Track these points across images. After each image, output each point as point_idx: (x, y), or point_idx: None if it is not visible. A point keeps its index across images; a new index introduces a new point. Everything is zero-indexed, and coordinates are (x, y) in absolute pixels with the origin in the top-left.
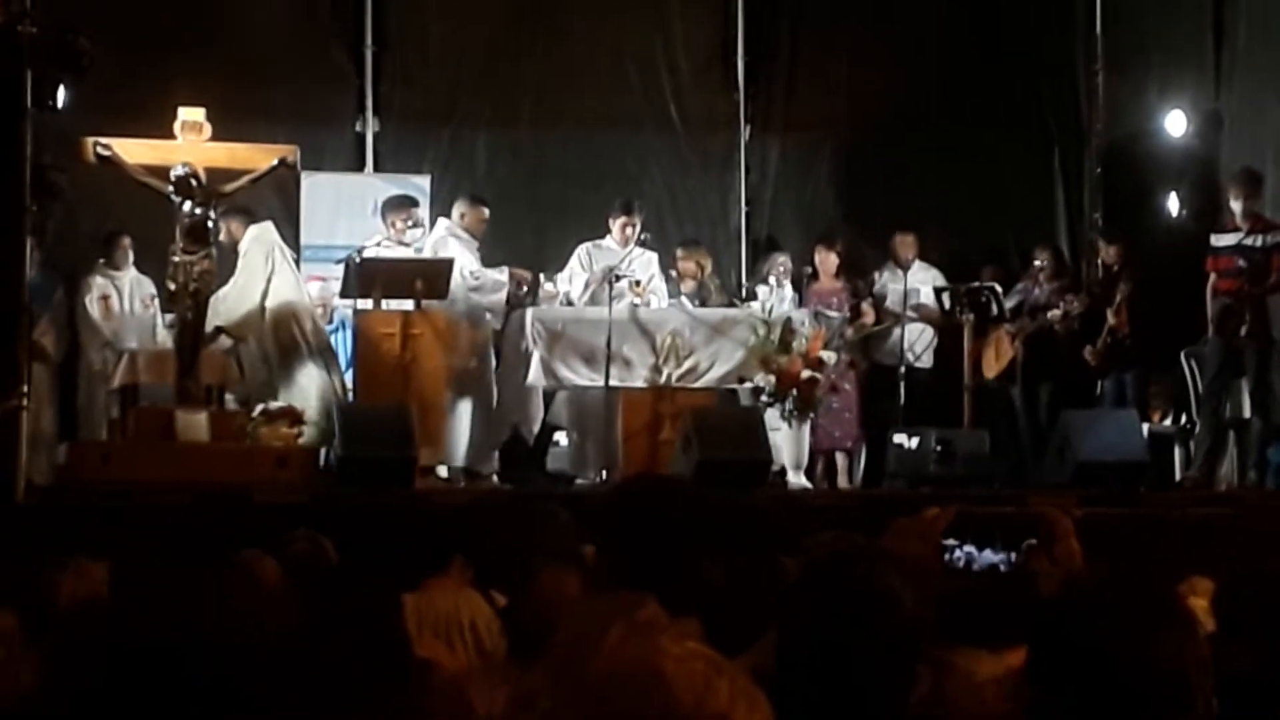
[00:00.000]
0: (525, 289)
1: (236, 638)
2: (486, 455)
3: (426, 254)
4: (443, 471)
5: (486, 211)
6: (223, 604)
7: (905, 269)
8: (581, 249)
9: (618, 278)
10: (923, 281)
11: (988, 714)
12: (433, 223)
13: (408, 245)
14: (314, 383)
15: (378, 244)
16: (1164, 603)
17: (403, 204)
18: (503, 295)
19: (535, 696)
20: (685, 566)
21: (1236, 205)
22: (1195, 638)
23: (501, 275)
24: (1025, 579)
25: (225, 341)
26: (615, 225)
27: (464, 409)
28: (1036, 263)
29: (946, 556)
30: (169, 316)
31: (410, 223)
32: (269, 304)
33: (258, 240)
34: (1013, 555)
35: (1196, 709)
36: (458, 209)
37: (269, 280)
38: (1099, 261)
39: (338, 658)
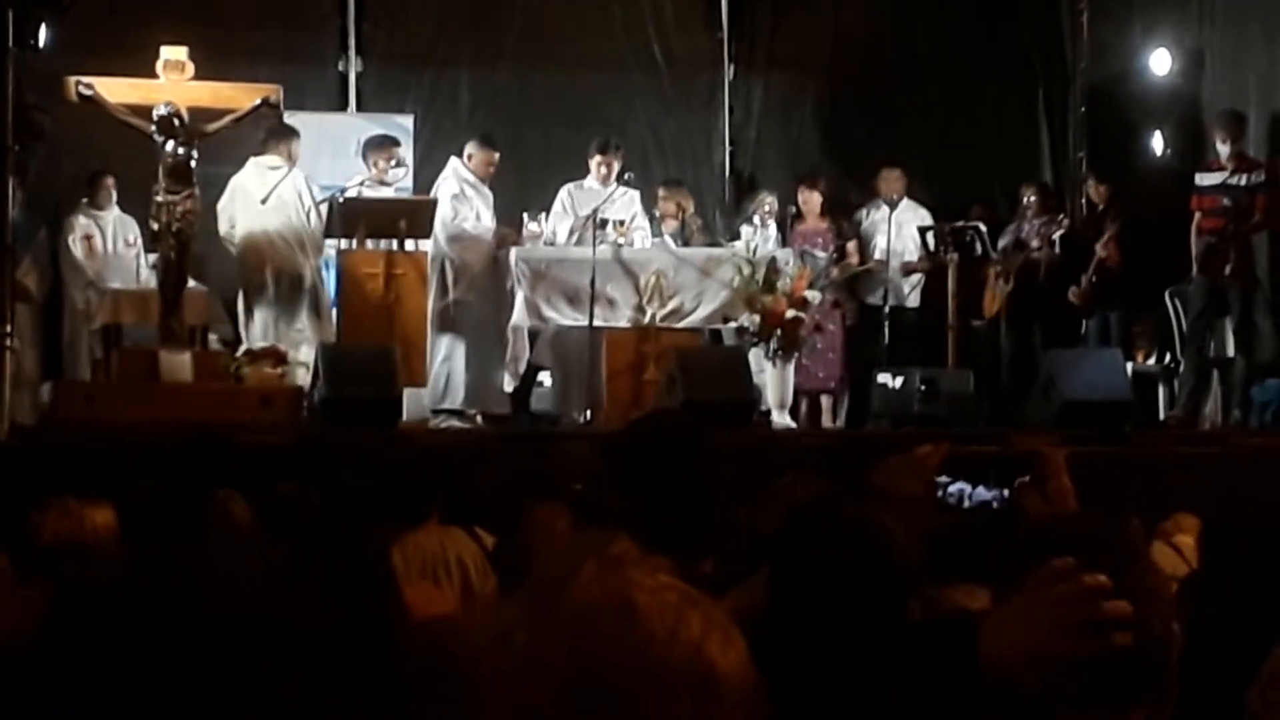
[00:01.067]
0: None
1: (215, 579)
2: (495, 393)
3: (432, 191)
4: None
5: (496, 155)
6: (199, 544)
7: (891, 206)
8: (564, 191)
9: (603, 222)
10: (909, 220)
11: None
12: (416, 163)
13: (389, 185)
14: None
15: (360, 184)
16: (1123, 539)
17: (384, 144)
18: (481, 245)
19: (512, 632)
20: (704, 508)
21: (1223, 148)
22: (1156, 573)
23: (486, 235)
24: (1016, 515)
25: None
26: (593, 164)
27: (461, 345)
28: (1024, 200)
29: (939, 493)
30: (152, 257)
31: (393, 162)
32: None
33: (230, 196)
34: (1005, 492)
35: (1162, 641)
36: (467, 149)
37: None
38: (1083, 201)
39: (322, 598)
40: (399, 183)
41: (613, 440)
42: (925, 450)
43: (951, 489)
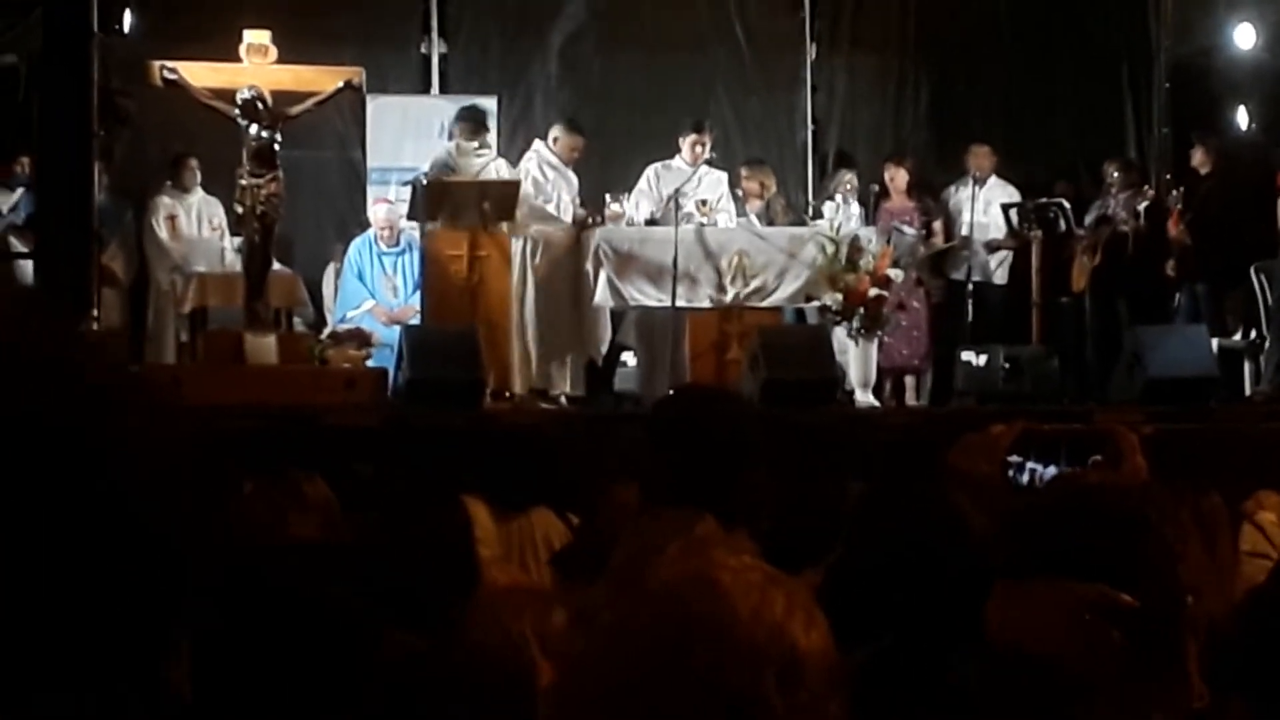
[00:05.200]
0: (591, 221)
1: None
2: (577, 374)
3: (513, 172)
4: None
5: (581, 140)
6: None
7: (979, 183)
8: (650, 170)
9: (679, 202)
10: (996, 198)
11: (1059, 639)
12: (500, 144)
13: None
14: None
15: (449, 152)
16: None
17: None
18: (556, 228)
19: (595, 611)
20: (730, 481)
21: None
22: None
23: (564, 216)
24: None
25: None
26: (685, 144)
27: (545, 329)
28: (1108, 177)
29: (1011, 473)
30: (237, 240)
31: (474, 144)
32: None
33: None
34: (1078, 471)
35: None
36: (552, 133)
37: None
38: (1168, 177)
39: (399, 575)
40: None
41: (644, 418)
42: (998, 430)
43: (1024, 469)
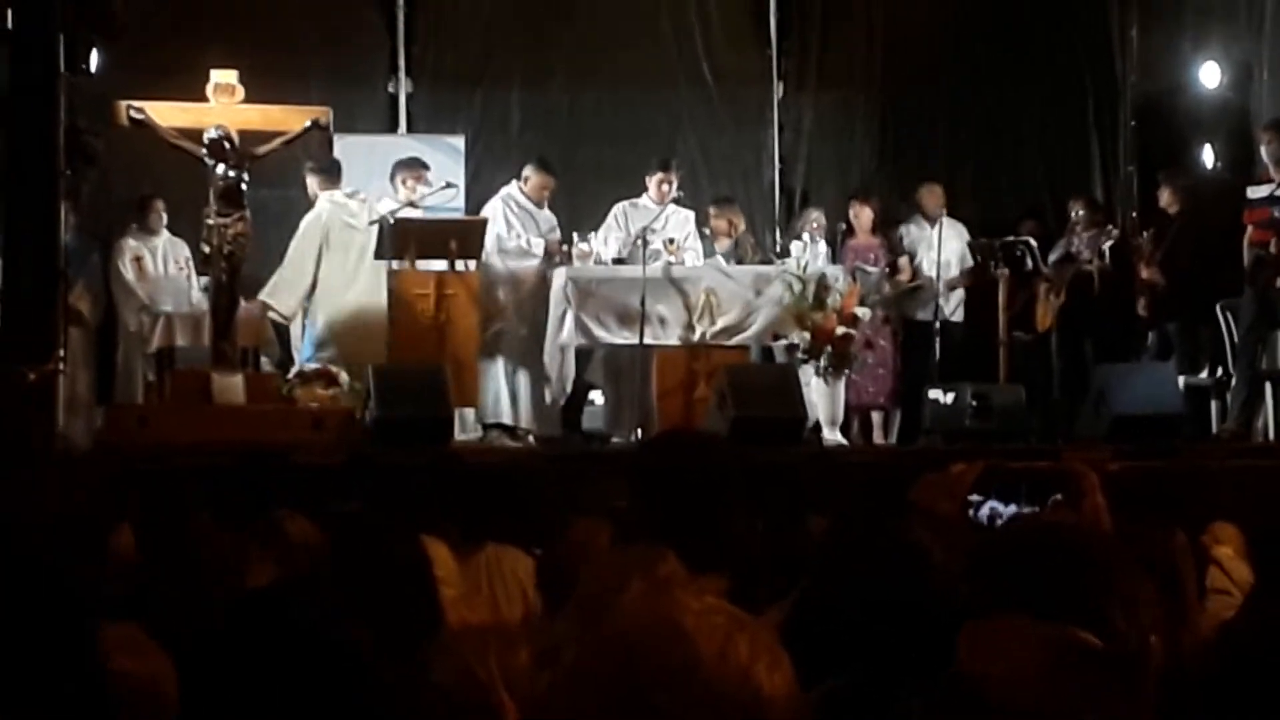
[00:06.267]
0: (557, 259)
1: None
2: (546, 414)
3: (485, 213)
4: (477, 431)
5: (552, 180)
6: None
7: (932, 222)
8: (618, 208)
9: (646, 240)
10: (950, 236)
11: (1027, 683)
12: (467, 183)
13: (416, 205)
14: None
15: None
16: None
17: (413, 165)
18: (530, 264)
19: (558, 651)
20: (714, 523)
21: (1267, 154)
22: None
23: (536, 250)
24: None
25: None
26: (652, 183)
27: (507, 369)
28: (1072, 215)
29: (971, 512)
30: (204, 279)
31: (421, 183)
32: (317, 293)
33: (314, 223)
34: (1037, 510)
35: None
36: (524, 173)
37: (318, 265)
38: (1133, 214)
39: (362, 610)
40: (423, 201)
41: (627, 460)
42: (959, 468)
43: (984, 507)
